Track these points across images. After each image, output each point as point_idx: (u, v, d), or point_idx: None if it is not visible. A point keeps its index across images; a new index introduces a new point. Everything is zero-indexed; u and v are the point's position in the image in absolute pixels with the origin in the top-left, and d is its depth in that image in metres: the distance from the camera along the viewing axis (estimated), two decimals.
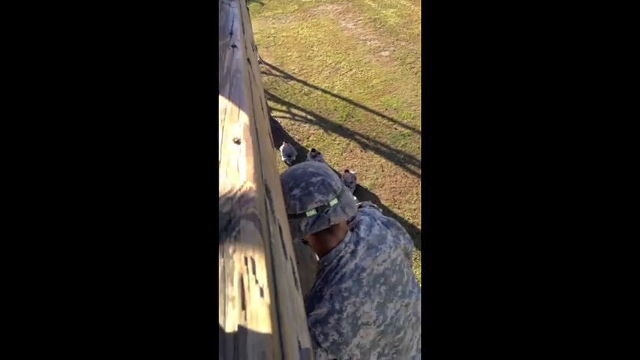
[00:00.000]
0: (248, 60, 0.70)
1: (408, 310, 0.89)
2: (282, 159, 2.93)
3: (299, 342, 0.40)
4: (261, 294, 0.30)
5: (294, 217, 0.83)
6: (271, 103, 3.50)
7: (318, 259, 0.89)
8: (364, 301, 0.81)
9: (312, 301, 0.81)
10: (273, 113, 3.41)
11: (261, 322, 0.28)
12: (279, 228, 0.51)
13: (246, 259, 0.33)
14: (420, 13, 4.41)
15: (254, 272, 0.32)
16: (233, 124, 0.49)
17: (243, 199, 0.38)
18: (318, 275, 0.86)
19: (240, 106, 0.53)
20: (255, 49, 0.97)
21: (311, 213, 0.81)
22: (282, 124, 3.31)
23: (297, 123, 3.33)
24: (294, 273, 0.56)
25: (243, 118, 0.51)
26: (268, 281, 0.32)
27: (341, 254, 0.83)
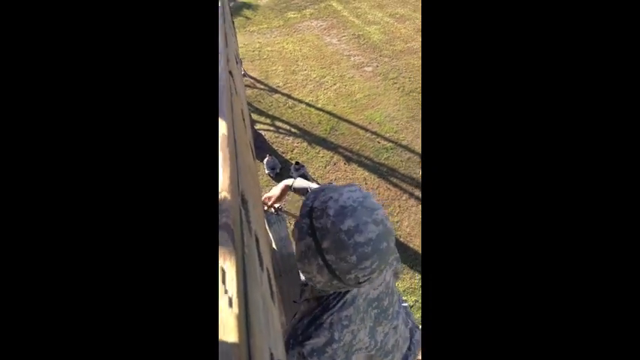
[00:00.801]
0: (230, 73, 0.70)
1: (397, 332, 0.87)
2: (266, 171, 2.92)
3: (271, 354, 0.40)
4: (230, 304, 0.30)
5: (328, 268, 0.65)
6: (255, 116, 3.51)
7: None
8: (360, 327, 0.79)
9: (309, 326, 0.76)
10: (258, 126, 3.41)
11: (228, 332, 0.28)
12: (256, 239, 0.51)
13: None
14: (402, 30, 4.53)
15: (223, 282, 0.32)
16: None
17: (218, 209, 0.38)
18: (318, 299, 0.79)
19: (220, 117, 0.53)
20: (239, 62, 0.98)
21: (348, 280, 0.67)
22: (266, 137, 3.32)
23: (281, 136, 3.35)
24: (270, 285, 0.56)
25: (222, 129, 0.51)
26: (238, 292, 0.32)
27: None
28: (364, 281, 0.67)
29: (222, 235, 0.36)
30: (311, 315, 0.77)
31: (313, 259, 0.67)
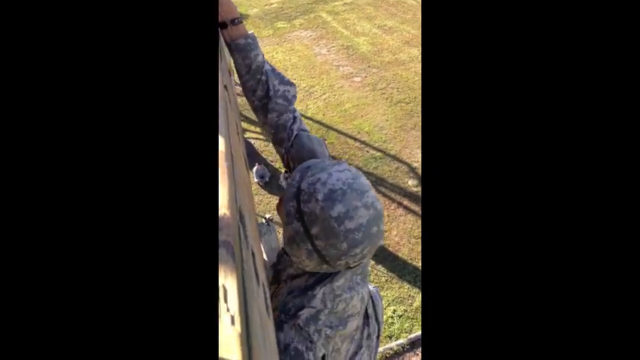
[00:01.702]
0: (225, 87, 0.71)
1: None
2: (255, 180, 2.91)
3: None
4: (232, 322, 0.31)
5: (318, 254, 0.65)
6: (245, 125, 3.50)
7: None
8: (352, 295, 0.77)
9: (301, 296, 0.73)
10: (247, 134, 3.41)
11: (232, 350, 0.28)
12: (252, 253, 0.51)
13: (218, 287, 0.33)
14: (390, 42, 4.62)
15: (225, 300, 0.32)
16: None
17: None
18: (307, 273, 0.76)
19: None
20: (231, 74, 0.98)
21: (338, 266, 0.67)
22: (255, 146, 3.31)
23: (271, 145, 3.36)
24: (265, 299, 0.56)
25: (220, 145, 0.52)
26: (240, 309, 0.33)
27: None
28: (355, 266, 0.67)
29: (223, 253, 0.37)
30: (301, 288, 0.75)
31: (302, 244, 0.66)
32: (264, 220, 1.29)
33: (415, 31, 4.67)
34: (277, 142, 0.93)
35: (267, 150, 3.30)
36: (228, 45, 0.85)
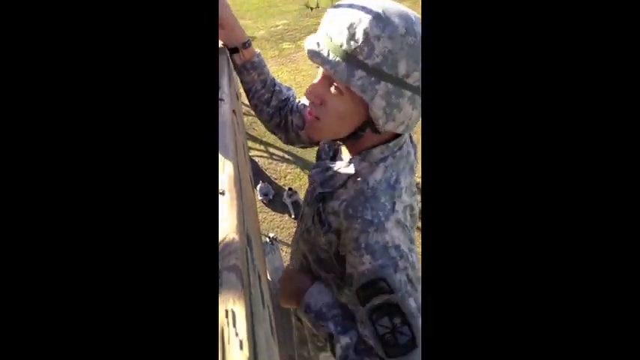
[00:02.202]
0: (233, 111, 0.74)
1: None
2: (259, 198, 2.93)
3: None
4: (241, 347, 0.32)
5: (389, 78, 0.59)
6: (250, 143, 3.55)
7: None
8: (412, 197, 0.72)
9: (366, 228, 0.65)
10: (252, 153, 3.45)
11: None
12: (258, 277, 0.52)
13: (227, 312, 0.34)
14: None
15: (234, 325, 0.33)
16: (218, 175, 0.52)
17: (225, 251, 0.40)
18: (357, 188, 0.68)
19: (225, 157, 0.55)
20: (239, 96, 1.02)
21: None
22: (260, 164, 3.34)
23: (275, 162, 3.38)
24: (270, 322, 0.57)
25: (228, 169, 0.53)
26: (248, 334, 0.34)
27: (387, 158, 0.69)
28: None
29: (232, 277, 0.38)
30: (358, 221, 0.67)
31: (400, 99, 0.62)
32: (267, 240, 1.30)
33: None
34: (279, 109, 0.96)
35: (271, 168, 3.33)
36: (242, 66, 0.89)
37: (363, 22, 0.58)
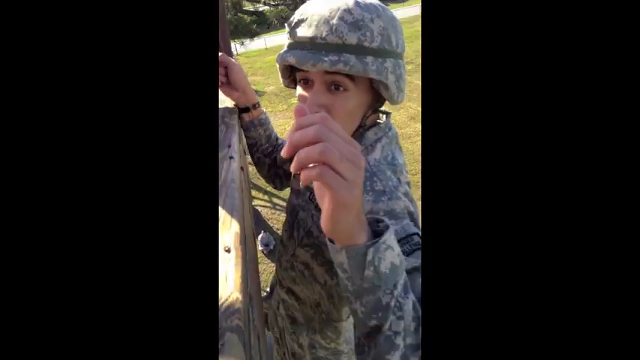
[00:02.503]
0: (242, 168, 0.78)
1: None
2: (260, 248, 2.91)
3: None
4: None
5: (390, 54, 0.61)
6: (253, 192, 3.59)
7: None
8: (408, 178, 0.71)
9: (379, 197, 0.61)
10: (255, 202, 3.48)
11: None
12: (258, 337, 0.52)
13: None
14: (397, 117, 4.88)
15: None
16: (224, 232, 0.54)
17: (229, 311, 0.41)
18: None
19: (232, 214, 0.58)
20: (246, 152, 1.08)
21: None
22: (262, 214, 3.36)
23: (278, 212, 3.40)
24: None
25: (235, 226, 0.56)
26: None
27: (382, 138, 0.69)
28: None
29: (234, 339, 0.39)
30: (371, 193, 0.64)
31: (401, 69, 0.64)
32: (265, 294, 1.28)
33: (420, 108, 4.97)
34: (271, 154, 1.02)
35: (274, 217, 3.34)
36: (251, 122, 0.98)
37: (352, 11, 0.58)
